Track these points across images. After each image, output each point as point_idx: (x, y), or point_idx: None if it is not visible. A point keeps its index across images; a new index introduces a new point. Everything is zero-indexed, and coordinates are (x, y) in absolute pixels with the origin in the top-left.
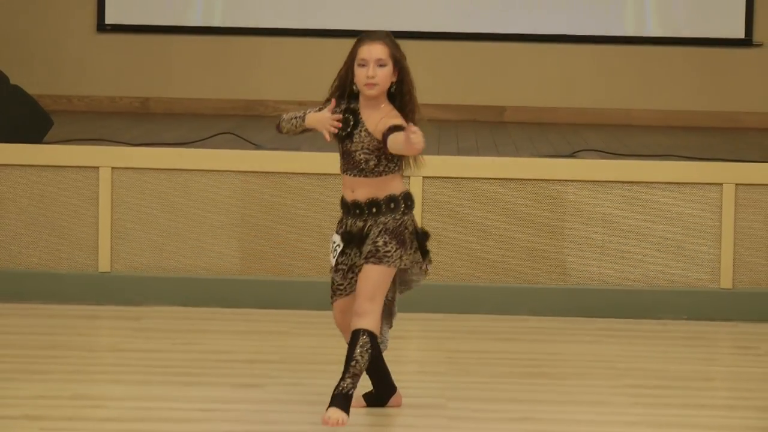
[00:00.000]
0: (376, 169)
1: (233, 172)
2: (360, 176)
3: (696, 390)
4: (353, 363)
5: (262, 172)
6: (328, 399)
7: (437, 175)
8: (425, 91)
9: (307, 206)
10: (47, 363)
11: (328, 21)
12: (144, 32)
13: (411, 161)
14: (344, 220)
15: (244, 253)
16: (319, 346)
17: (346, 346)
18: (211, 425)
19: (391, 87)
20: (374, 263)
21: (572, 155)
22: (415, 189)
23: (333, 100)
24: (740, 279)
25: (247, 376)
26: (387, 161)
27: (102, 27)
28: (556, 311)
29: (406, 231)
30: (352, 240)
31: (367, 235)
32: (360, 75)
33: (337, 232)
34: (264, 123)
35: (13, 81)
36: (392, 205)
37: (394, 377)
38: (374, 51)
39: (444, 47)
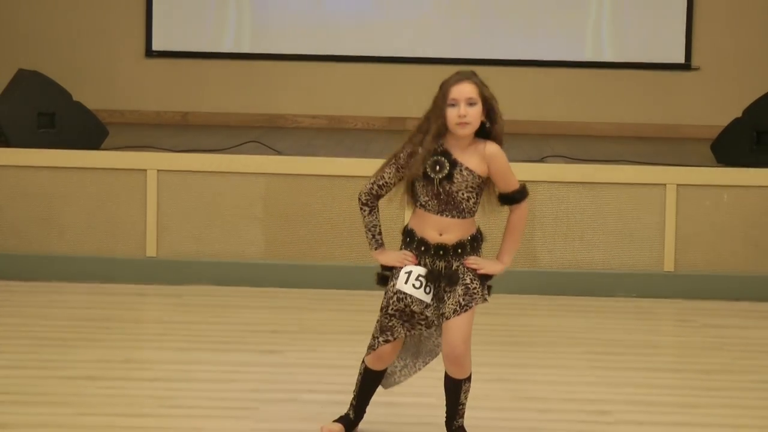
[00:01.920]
0: (474, 208)
1: (258, 174)
2: (458, 217)
3: (644, 356)
4: (460, 407)
5: (282, 174)
6: (337, 362)
7: None
8: (418, 108)
9: (320, 202)
10: (103, 332)
11: (336, 48)
12: (185, 57)
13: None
14: (420, 257)
15: (268, 241)
16: (330, 319)
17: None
18: (240, 384)
19: (483, 125)
20: (468, 308)
21: (541, 160)
22: None
23: (414, 257)
24: (680, 263)
25: (270, 343)
26: (478, 198)
27: (150, 53)
28: (527, 290)
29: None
30: (441, 279)
31: (458, 277)
32: (452, 115)
33: (407, 267)
34: (283, 133)
35: (75, 98)
36: (475, 244)
37: None
38: (464, 90)
39: (434, 70)
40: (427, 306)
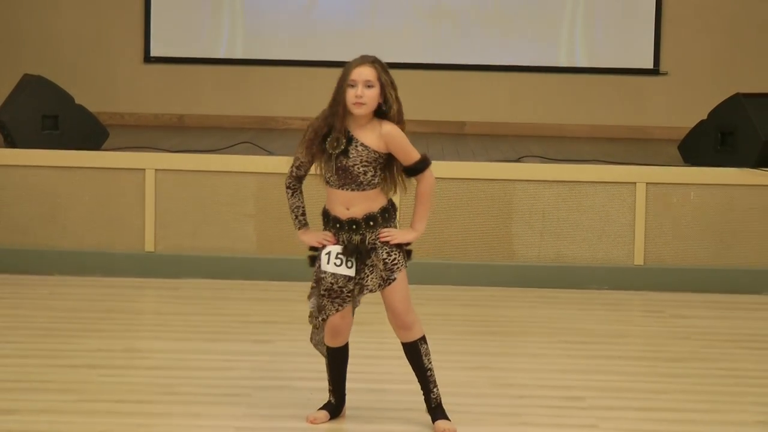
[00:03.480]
0: (372, 181)
1: (251, 173)
2: (357, 190)
3: (615, 344)
4: (429, 374)
5: (273, 173)
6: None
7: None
8: (404, 110)
9: (308, 200)
10: (104, 323)
11: (324, 54)
12: (181, 63)
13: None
14: (338, 235)
15: (260, 236)
16: None
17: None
18: (234, 372)
19: (380, 107)
20: (393, 280)
21: (518, 160)
22: None
23: (332, 237)
24: (649, 257)
25: (262, 333)
26: (379, 172)
27: (148, 59)
28: (505, 283)
29: None
30: (355, 252)
31: (372, 248)
32: (350, 94)
33: (327, 246)
34: (275, 135)
35: (77, 101)
36: (386, 215)
37: (376, 335)
38: (363, 73)
39: (418, 74)
40: (350, 279)
